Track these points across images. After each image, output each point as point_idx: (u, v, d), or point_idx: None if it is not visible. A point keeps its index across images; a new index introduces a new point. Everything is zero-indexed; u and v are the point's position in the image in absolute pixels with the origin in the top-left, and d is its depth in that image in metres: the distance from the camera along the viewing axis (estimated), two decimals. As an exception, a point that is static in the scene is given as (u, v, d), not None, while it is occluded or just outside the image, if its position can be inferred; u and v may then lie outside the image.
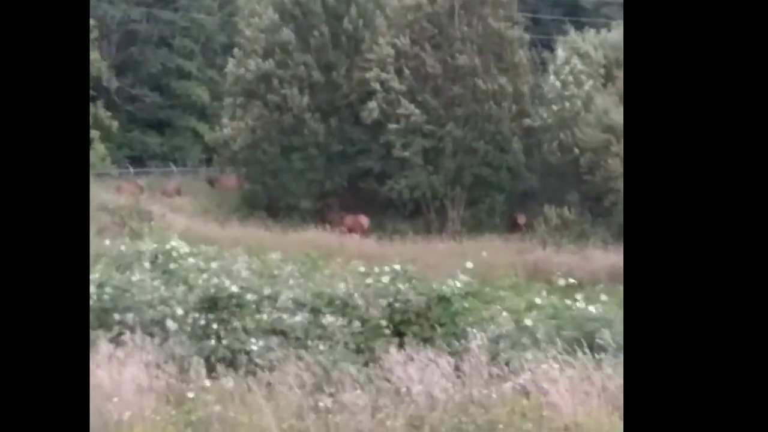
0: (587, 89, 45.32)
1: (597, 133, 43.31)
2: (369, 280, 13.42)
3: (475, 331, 11.70)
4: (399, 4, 49.00)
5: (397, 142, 46.49)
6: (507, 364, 10.89)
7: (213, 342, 11.80)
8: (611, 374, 10.21)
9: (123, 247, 17.76)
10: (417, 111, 46.35)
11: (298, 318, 12.55)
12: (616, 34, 49.72)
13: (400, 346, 11.73)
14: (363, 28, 49.69)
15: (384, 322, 12.39)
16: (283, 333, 12.24)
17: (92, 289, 12.20)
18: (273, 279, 14.92)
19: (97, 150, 43.59)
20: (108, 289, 12.90)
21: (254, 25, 50.45)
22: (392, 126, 46.25)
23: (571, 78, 45.99)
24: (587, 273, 30.62)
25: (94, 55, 43.69)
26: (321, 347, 11.70)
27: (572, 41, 48.62)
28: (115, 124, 50.75)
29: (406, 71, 46.96)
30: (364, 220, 46.13)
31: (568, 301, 13.05)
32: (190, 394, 10.35)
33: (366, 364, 11.31)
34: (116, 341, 11.59)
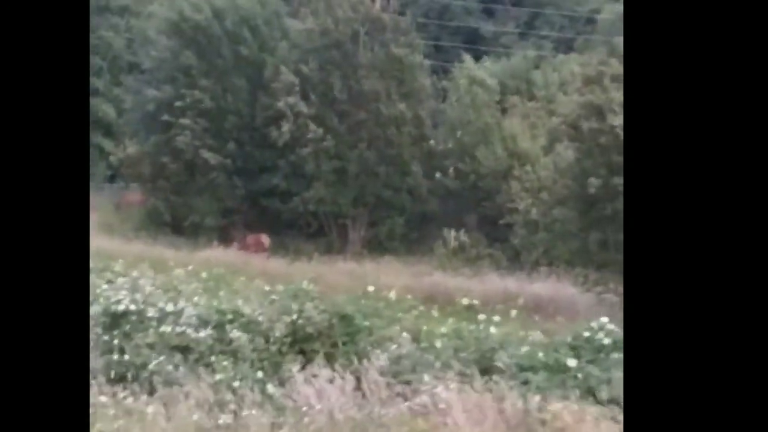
0: (486, 117, 45.99)
1: (497, 158, 43.94)
2: (273, 298, 13.47)
3: (376, 351, 11.75)
4: (303, 28, 48.98)
5: (305, 163, 46.59)
6: (407, 383, 10.90)
7: (116, 357, 11.73)
8: (508, 395, 10.19)
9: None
10: (323, 133, 46.35)
11: (202, 334, 12.48)
12: (513, 62, 50.46)
13: (303, 363, 11.76)
14: (266, 52, 49.56)
15: (288, 339, 12.45)
16: (186, 349, 12.21)
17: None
18: (178, 295, 14.69)
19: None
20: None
21: (153, 53, 50.62)
22: (304, 150, 46.28)
23: (469, 101, 46.62)
24: (482, 295, 30.49)
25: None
26: (224, 363, 11.66)
27: (469, 68, 49.11)
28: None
29: (313, 96, 47.02)
30: (265, 239, 45.08)
31: (467, 323, 13.12)
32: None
33: (268, 381, 11.28)
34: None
